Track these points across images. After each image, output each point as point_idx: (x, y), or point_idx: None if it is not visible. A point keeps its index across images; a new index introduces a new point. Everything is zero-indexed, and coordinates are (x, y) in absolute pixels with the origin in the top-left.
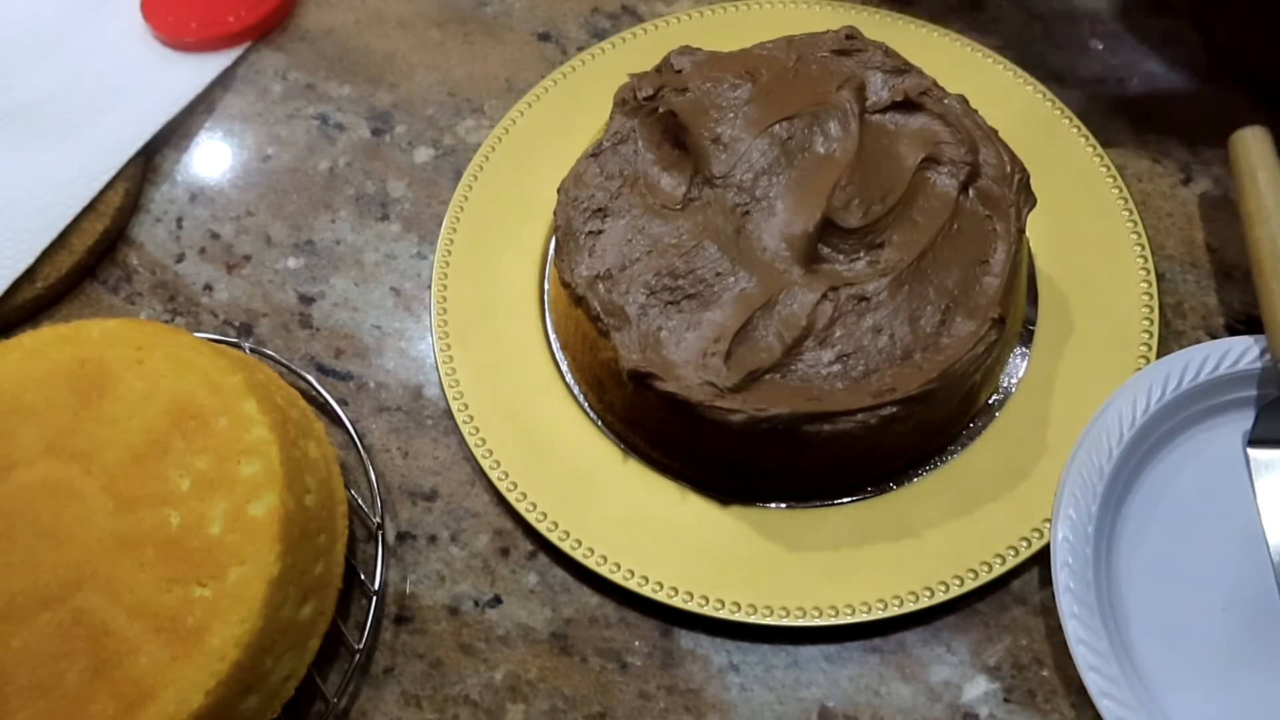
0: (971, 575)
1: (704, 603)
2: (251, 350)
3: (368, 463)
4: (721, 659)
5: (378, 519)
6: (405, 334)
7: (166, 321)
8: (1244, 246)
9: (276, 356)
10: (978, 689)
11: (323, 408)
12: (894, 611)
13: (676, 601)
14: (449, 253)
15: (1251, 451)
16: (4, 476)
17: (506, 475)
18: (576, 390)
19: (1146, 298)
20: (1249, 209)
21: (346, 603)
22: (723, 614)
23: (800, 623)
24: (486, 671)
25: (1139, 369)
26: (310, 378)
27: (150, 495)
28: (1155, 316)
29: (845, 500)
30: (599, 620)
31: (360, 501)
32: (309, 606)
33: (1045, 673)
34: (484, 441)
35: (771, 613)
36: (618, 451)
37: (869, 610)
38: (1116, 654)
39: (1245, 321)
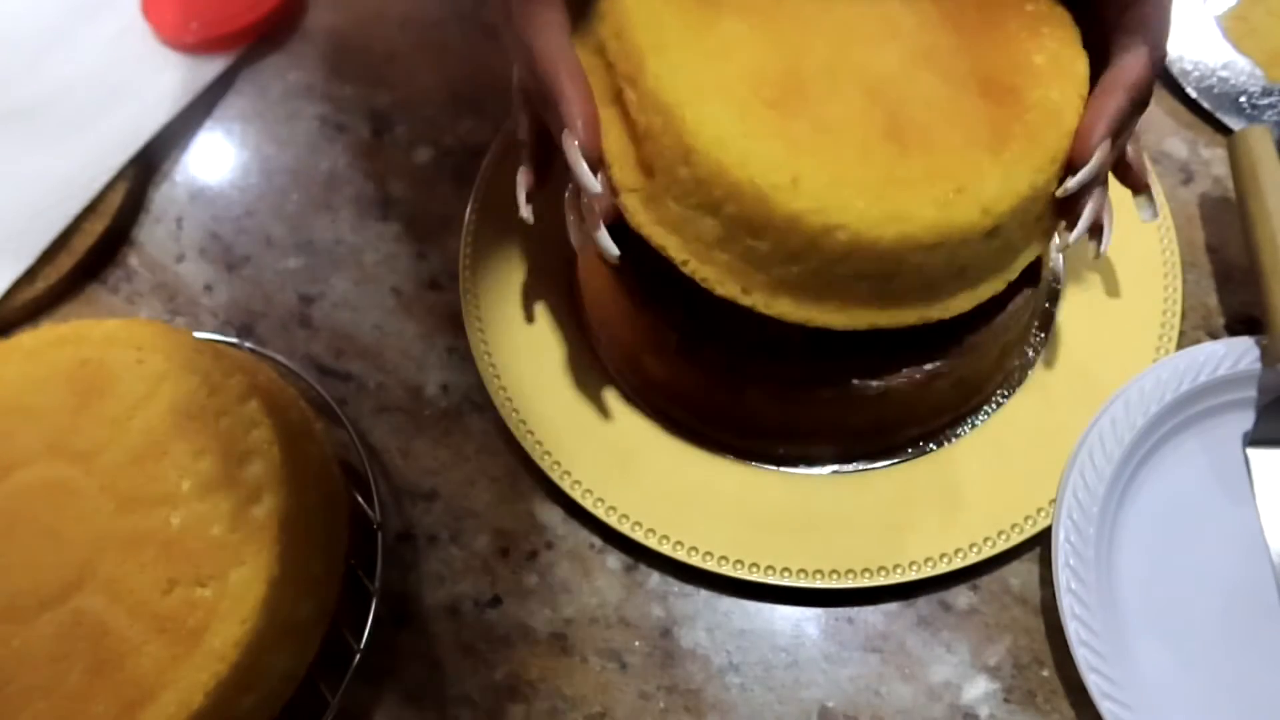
0: (1015, 530)
1: (755, 569)
2: (251, 350)
3: (368, 463)
4: (721, 659)
5: (378, 519)
6: (405, 334)
7: (166, 321)
8: (1245, 247)
9: (276, 356)
10: (978, 689)
11: (323, 408)
12: (943, 568)
13: (727, 570)
14: (473, 235)
15: (1251, 452)
16: (4, 476)
17: (550, 454)
18: (610, 367)
19: (1169, 281)
20: (1250, 209)
21: (346, 603)
22: (773, 580)
23: (851, 584)
24: (486, 671)
25: (1159, 346)
26: (310, 378)
27: (151, 496)
28: (1178, 296)
29: (885, 463)
30: (599, 620)
31: (360, 501)
32: (309, 606)
33: (1045, 673)
34: (525, 422)
35: (824, 575)
36: (657, 426)
37: (918, 569)
38: (1118, 656)
39: (1245, 321)
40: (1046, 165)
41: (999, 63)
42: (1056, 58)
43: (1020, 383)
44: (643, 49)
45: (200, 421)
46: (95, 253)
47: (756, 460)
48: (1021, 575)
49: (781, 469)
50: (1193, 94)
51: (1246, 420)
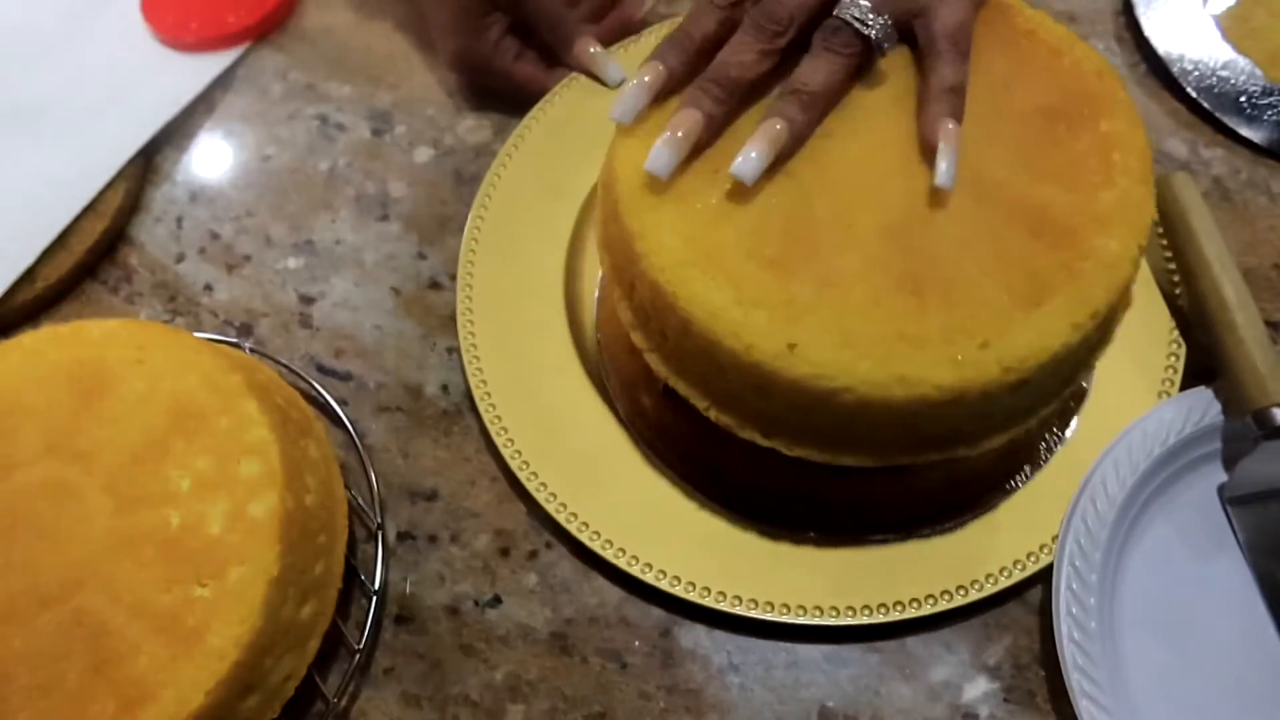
0: (989, 581)
1: (705, 594)
2: (251, 350)
3: (368, 463)
4: (721, 659)
5: (378, 519)
6: (405, 334)
7: (166, 321)
8: (1187, 298)
9: (276, 356)
10: (978, 689)
11: (323, 408)
12: (894, 617)
13: (679, 591)
14: (475, 240)
15: (1231, 506)
16: (4, 476)
17: (527, 464)
18: (605, 387)
19: (1171, 371)
20: (1188, 259)
21: (346, 603)
22: (724, 606)
23: (801, 620)
24: (486, 671)
25: (1165, 375)
26: (310, 378)
27: (150, 495)
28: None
29: (868, 541)
30: (599, 620)
31: (360, 501)
32: (309, 606)
33: (1045, 673)
34: (505, 430)
35: (773, 608)
36: (637, 452)
37: (870, 614)
38: (1120, 706)
39: None
40: (1086, 321)
41: (1059, 197)
42: (1126, 197)
43: (1029, 480)
44: (630, 233)
45: (200, 421)
46: (95, 252)
47: (738, 514)
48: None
49: (752, 526)
50: (1193, 94)
51: (1223, 473)
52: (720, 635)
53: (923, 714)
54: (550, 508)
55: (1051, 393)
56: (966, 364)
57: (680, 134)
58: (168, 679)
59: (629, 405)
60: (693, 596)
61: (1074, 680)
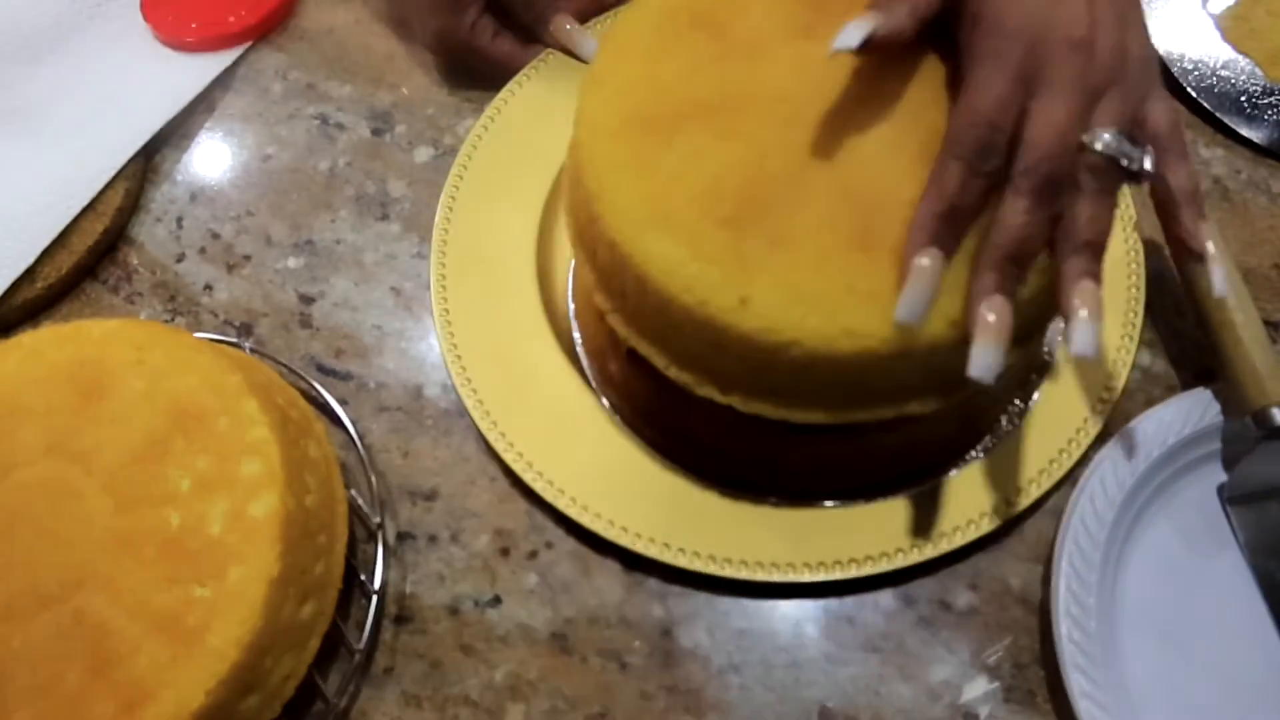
0: (943, 539)
1: (665, 550)
2: (251, 350)
3: (368, 463)
4: (722, 659)
5: (378, 519)
6: (405, 334)
7: (166, 321)
8: (1186, 298)
9: (276, 356)
10: (978, 689)
11: (323, 408)
12: (854, 573)
13: (640, 547)
14: (450, 210)
15: (1230, 506)
16: (4, 476)
17: (495, 424)
18: (578, 357)
19: (1134, 290)
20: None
21: (346, 603)
22: (683, 562)
23: (761, 577)
24: (486, 671)
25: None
26: (310, 378)
27: (150, 495)
28: (1139, 320)
29: (829, 505)
30: (599, 620)
31: (360, 501)
32: (309, 606)
33: (1045, 673)
34: (475, 392)
35: (732, 564)
36: (604, 415)
37: (827, 570)
38: (1120, 706)
39: None
40: (1031, 279)
41: None
42: None
43: (990, 450)
44: (590, 193)
45: (200, 421)
46: (95, 252)
47: (705, 481)
48: (1022, 575)
49: (723, 492)
50: (1193, 94)
51: (1222, 473)
52: (720, 635)
53: (923, 714)
54: (518, 467)
55: None
56: None
57: (998, 325)
58: (168, 679)
59: (598, 371)
60: (652, 552)
61: (1073, 680)
